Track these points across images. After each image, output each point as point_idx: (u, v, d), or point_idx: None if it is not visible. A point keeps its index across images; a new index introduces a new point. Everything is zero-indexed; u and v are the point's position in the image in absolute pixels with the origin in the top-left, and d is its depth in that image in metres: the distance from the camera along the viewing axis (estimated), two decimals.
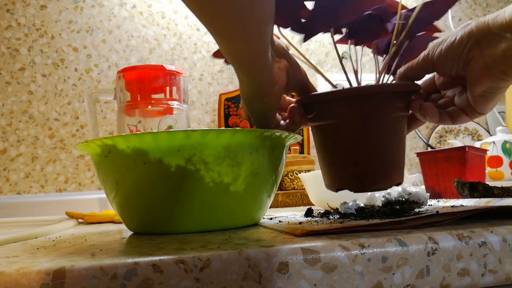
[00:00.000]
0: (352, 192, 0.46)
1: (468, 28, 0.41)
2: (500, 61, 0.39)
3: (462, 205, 0.50)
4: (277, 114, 0.48)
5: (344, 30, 0.47)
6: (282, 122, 0.49)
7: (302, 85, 0.47)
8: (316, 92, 0.46)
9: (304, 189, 0.94)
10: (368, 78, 1.27)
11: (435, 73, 0.46)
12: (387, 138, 0.44)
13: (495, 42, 0.39)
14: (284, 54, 0.44)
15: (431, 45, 0.45)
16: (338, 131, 0.45)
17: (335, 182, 0.46)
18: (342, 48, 0.51)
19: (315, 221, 0.45)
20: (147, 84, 0.72)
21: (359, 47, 0.48)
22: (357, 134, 0.44)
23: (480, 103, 0.43)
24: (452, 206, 0.49)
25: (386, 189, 0.45)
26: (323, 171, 0.48)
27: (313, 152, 1.24)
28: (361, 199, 0.58)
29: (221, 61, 1.22)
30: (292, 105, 0.47)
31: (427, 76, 0.47)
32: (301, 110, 0.47)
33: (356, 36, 0.47)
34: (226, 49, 0.39)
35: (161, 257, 0.28)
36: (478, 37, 0.40)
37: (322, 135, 0.46)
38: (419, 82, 0.47)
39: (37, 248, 0.37)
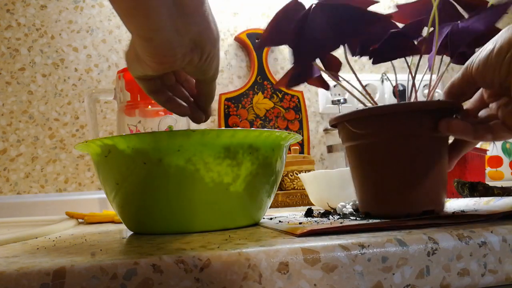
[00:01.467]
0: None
1: (509, 33, 0.36)
2: None
3: (463, 211, 0.50)
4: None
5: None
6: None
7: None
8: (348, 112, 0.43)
9: (304, 189, 0.94)
10: (368, 78, 1.27)
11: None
12: (411, 159, 0.41)
13: None
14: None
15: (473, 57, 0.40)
16: (363, 150, 0.43)
17: (361, 206, 0.45)
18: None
19: (315, 221, 0.45)
20: None
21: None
22: (381, 154, 0.42)
23: None
24: (453, 212, 0.49)
25: (403, 217, 0.41)
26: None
27: (313, 152, 1.24)
28: None
29: (221, 61, 1.22)
30: None
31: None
32: None
33: (383, 54, 0.47)
34: None
35: (161, 257, 0.28)
36: None
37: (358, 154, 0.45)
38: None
39: (37, 248, 0.37)
